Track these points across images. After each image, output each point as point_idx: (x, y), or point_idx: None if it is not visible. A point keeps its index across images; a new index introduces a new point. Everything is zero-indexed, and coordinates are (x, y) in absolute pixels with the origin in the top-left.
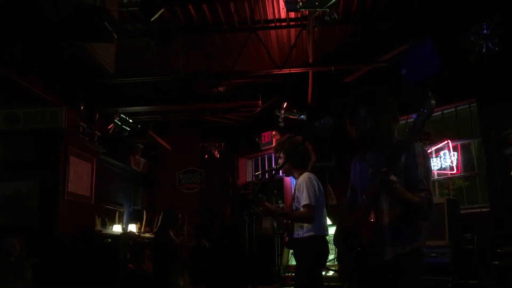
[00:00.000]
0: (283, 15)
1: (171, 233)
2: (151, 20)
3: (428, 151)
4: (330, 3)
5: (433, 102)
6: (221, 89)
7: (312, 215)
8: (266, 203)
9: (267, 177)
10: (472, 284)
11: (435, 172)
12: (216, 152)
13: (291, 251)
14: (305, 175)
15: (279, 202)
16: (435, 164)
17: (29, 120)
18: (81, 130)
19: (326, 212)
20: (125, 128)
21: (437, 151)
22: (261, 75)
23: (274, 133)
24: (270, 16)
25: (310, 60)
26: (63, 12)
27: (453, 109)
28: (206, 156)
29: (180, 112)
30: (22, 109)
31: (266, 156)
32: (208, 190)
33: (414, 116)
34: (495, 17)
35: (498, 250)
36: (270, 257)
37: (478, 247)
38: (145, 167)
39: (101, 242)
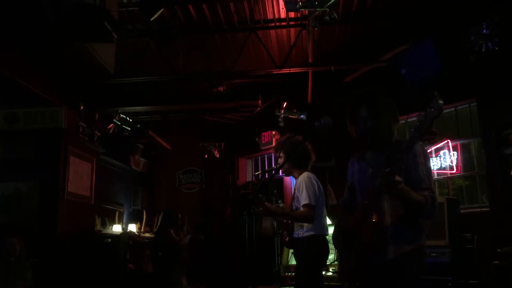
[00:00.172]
0: (283, 15)
1: (172, 232)
2: (151, 20)
3: (428, 151)
4: (330, 3)
5: (441, 102)
6: (221, 89)
7: (312, 215)
8: (266, 203)
9: (267, 177)
10: (472, 284)
11: (435, 172)
12: (216, 152)
13: (291, 250)
14: (305, 175)
15: (279, 202)
16: (435, 163)
17: (29, 120)
18: (81, 130)
19: (326, 211)
20: (125, 128)
21: (437, 150)
22: (261, 75)
23: (274, 133)
24: (270, 16)
25: (310, 60)
26: (63, 12)
27: (453, 109)
28: (206, 156)
29: (180, 112)
30: (22, 109)
31: (266, 156)
32: (208, 190)
33: (420, 115)
34: (495, 17)
35: (498, 250)
36: (270, 257)
37: (478, 247)
38: (145, 167)
39: (101, 242)
